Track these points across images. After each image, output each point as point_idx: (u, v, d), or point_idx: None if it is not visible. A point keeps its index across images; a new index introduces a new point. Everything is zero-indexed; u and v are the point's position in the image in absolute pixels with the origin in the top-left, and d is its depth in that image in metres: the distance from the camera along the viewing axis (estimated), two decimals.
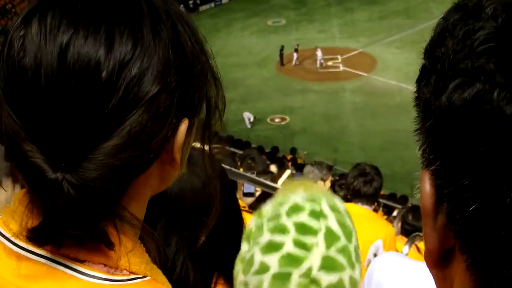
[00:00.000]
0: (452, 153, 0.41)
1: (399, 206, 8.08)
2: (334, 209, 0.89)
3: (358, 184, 4.01)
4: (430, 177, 0.45)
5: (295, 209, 0.88)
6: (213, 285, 1.34)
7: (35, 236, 0.66)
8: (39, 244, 0.67)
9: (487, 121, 0.38)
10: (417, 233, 3.57)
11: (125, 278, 0.68)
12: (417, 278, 1.05)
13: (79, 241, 0.66)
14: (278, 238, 0.86)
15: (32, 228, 0.66)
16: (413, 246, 3.59)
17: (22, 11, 0.68)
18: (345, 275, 0.85)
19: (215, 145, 0.80)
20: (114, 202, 0.67)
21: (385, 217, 4.87)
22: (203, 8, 35.15)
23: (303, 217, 0.87)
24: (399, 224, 4.67)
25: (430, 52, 0.45)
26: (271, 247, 0.86)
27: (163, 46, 0.67)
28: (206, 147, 0.79)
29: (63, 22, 0.64)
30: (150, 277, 0.70)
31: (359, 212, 4.01)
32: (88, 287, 0.66)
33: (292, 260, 0.83)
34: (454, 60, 0.41)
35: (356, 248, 0.89)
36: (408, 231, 4.22)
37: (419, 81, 0.46)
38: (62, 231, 0.64)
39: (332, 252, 0.85)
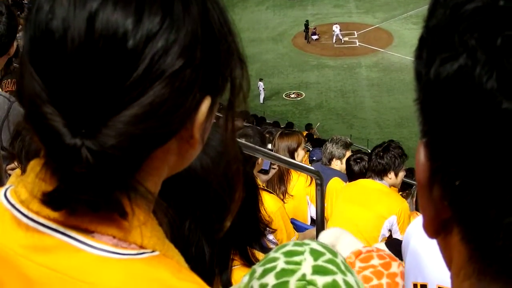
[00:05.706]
0: (439, 127, 0.42)
1: (415, 182, 8.14)
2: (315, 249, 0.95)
3: (375, 158, 4.10)
4: (425, 148, 0.45)
5: (280, 247, 0.96)
6: (229, 262, 1.35)
7: (50, 200, 0.65)
8: (53, 208, 0.66)
9: (468, 96, 0.38)
10: None
11: (133, 252, 0.67)
12: None
13: (94, 208, 0.66)
14: (269, 265, 0.92)
15: (47, 192, 0.65)
16: None
17: None
18: (338, 278, 0.90)
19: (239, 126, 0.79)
20: (130, 172, 0.66)
21: (400, 193, 4.93)
22: None
23: (288, 247, 0.95)
24: (414, 200, 4.76)
25: (426, 22, 0.45)
26: (265, 272, 0.92)
27: (192, 21, 0.67)
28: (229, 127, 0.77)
29: None
30: (159, 252, 0.69)
31: (375, 187, 4.08)
32: (95, 261, 0.66)
33: (286, 273, 0.90)
34: (443, 33, 0.41)
35: (344, 261, 0.94)
36: None
37: (416, 53, 0.46)
38: (77, 197, 0.64)
39: (320, 262, 0.91)
